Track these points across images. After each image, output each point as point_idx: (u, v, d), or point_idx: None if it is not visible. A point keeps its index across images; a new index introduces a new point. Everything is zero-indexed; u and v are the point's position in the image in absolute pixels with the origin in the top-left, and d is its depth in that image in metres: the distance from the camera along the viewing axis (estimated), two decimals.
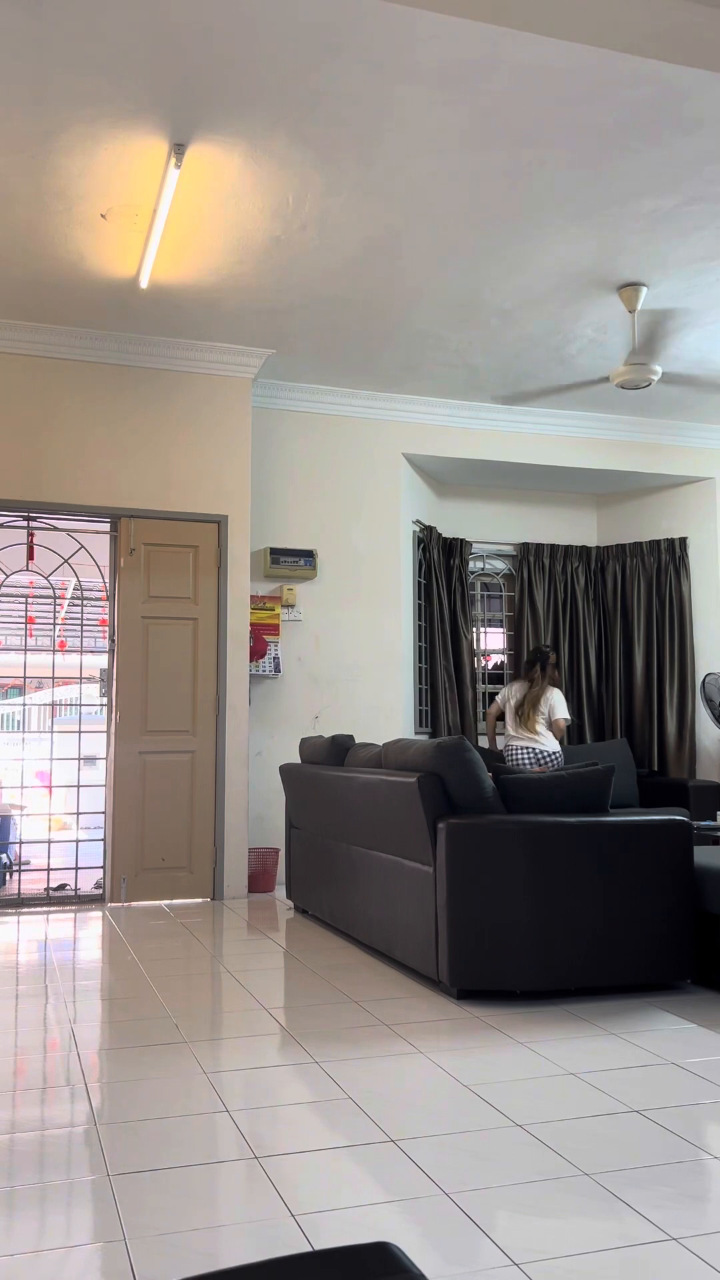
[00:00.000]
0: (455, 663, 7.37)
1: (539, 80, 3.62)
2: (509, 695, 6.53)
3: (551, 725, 6.41)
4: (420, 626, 7.35)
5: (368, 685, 6.73)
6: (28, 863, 7.12)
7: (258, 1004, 3.63)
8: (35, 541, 5.98)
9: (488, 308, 5.51)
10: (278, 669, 6.45)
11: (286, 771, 5.48)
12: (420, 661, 7.33)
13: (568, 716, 6.46)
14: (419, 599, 7.35)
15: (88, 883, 6.36)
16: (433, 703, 7.37)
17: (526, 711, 6.39)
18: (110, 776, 5.87)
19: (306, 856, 5.23)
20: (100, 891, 5.92)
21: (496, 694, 6.67)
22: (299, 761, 6.16)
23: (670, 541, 7.69)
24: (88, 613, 7.35)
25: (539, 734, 6.35)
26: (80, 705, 6.71)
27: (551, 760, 6.34)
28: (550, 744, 6.35)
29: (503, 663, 7.85)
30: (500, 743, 6.60)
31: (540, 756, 6.33)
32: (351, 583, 6.76)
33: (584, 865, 3.65)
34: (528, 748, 6.35)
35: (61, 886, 6.10)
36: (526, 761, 6.34)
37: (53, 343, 5.82)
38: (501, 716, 6.61)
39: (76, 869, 6.11)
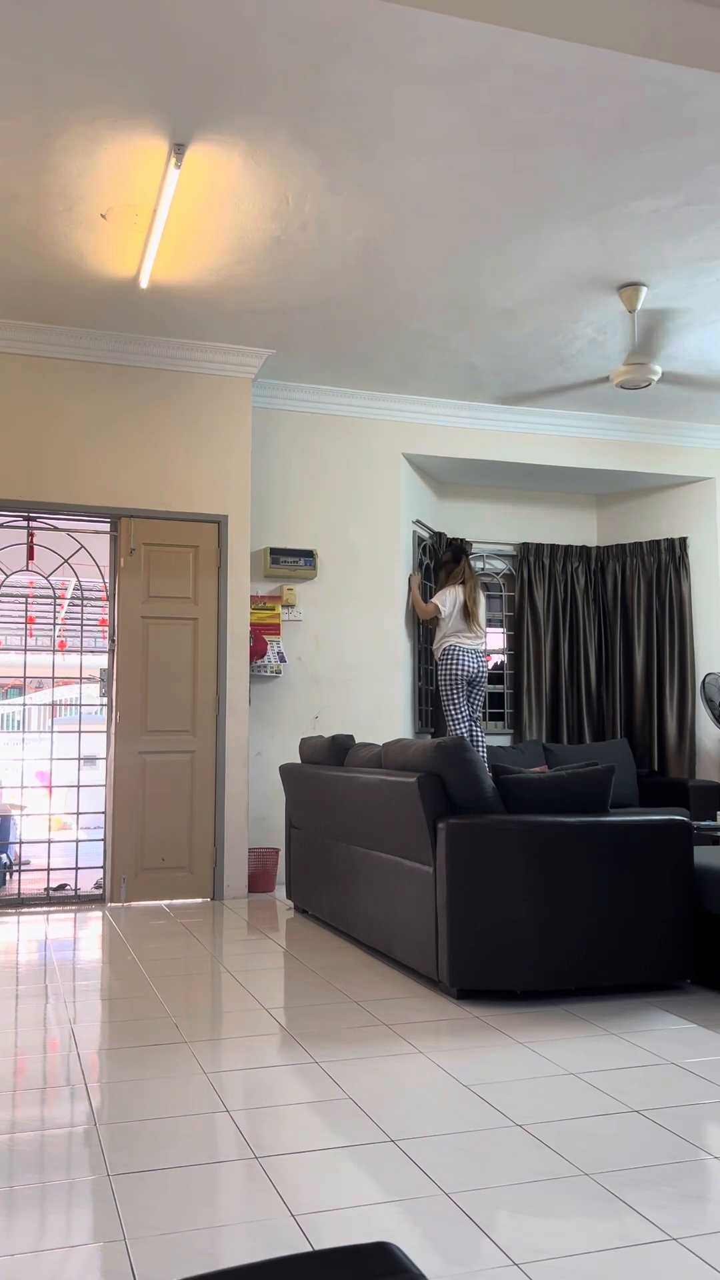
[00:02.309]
0: None
1: (539, 80, 3.62)
2: (455, 598, 6.61)
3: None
4: (427, 628, 7.35)
5: (368, 685, 6.73)
6: (28, 863, 7.12)
7: (258, 1004, 3.63)
8: (35, 541, 5.98)
9: (488, 308, 5.51)
10: (280, 664, 6.44)
11: (286, 771, 5.48)
12: (421, 662, 7.33)
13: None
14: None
15: (88, 883, 6.36)
16: (436, 703, 7.36)
17: (475, 616, 6.61)
18: (110, 776, 5.87)
19: (306, 856, 5.23)
20: (100, 891, 5.92)
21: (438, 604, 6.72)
22: (299, 761, 6.16)
23: (670, 541, 7.69)
24: (88, 613, 7.35)
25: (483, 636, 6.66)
26: (80, 705, 6.71)
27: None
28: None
29: (502, 663, 7.85)
30: (458, 648, 6.59)
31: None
32: (351, 583, 6.76)
33: (584, 865, 3.65)
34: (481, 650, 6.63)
35: (61, 886, 6.10)
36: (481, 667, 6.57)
37: (53, 343, 5.82)
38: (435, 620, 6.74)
39: (76, 869, 6.11)
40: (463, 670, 6.51)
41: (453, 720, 6.50)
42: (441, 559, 6.82)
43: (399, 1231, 1.95)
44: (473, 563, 6.76)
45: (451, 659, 6.51)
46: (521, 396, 6.87)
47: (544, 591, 7.75)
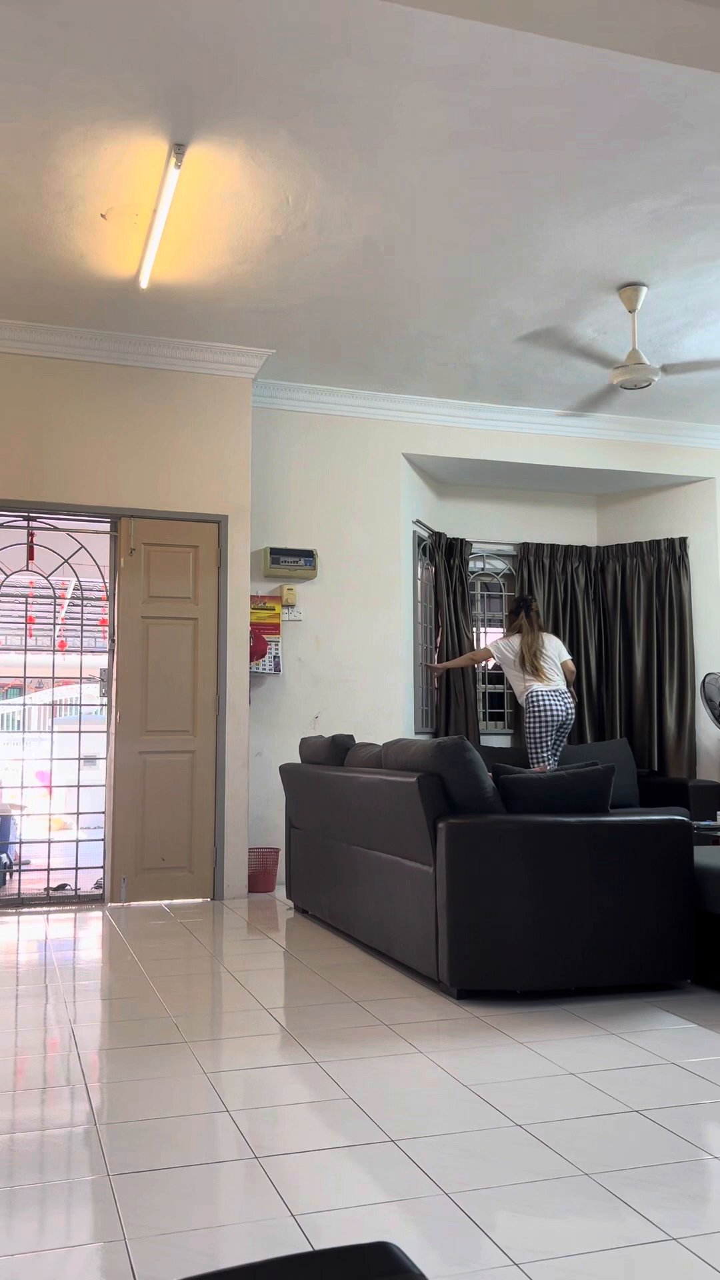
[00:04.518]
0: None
1: (539, 80, 3.62)
2: (512, 647, 6.72)
3: (563, 668, 6.78)
4: (426, 628, 7.35)
5: (368, 685, 6.73)
6: (28, 863, 7.12)
7: (258, 1004, 3.63)
8: (35, 541, 5.98)
9: (488, 308, 5.51)
10: (278, 668, 6.45)
11: (286, 771, 5.48)
12: (424, 662, 7.33)
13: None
14: (421, 600, 7.35)
15: (88, 883, 6.36)
16: (434, 703, 7.36)
17: (536, 663, 6.67)
18: (110, 776, 5.87)
19: (306, 856, 5.23)
20: (100, 891, 5.92)
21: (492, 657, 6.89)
22: (299, 761, 6.16)
23: (670, 541, 7.69)
24: (88, 613, 7.35)
25: (552, 680, 6.68)
26: (80, 705, 6.72)
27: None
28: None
29: None
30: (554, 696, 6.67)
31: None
32: (351, 583, 6.76)
33: (584, 865, 3.64)
34: (562, 692, 6.66)
35: (61, 886, 6.10)
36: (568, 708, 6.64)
37: (53, 343, 5.82)
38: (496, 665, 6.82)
39: (76, 869, 6.11)
40: (551, 714, 6.52)
41: (538, 760, 6.52)
42: (510, 610, 6.89)
43: (399, 1231, 1.95)
44: (537, 614, 6.84)
45: (538, 703, 6.52)
46: (521, 396, 6.87)
47: (544, 591, 7.75)
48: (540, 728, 6.48)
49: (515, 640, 6.69)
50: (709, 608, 7.62)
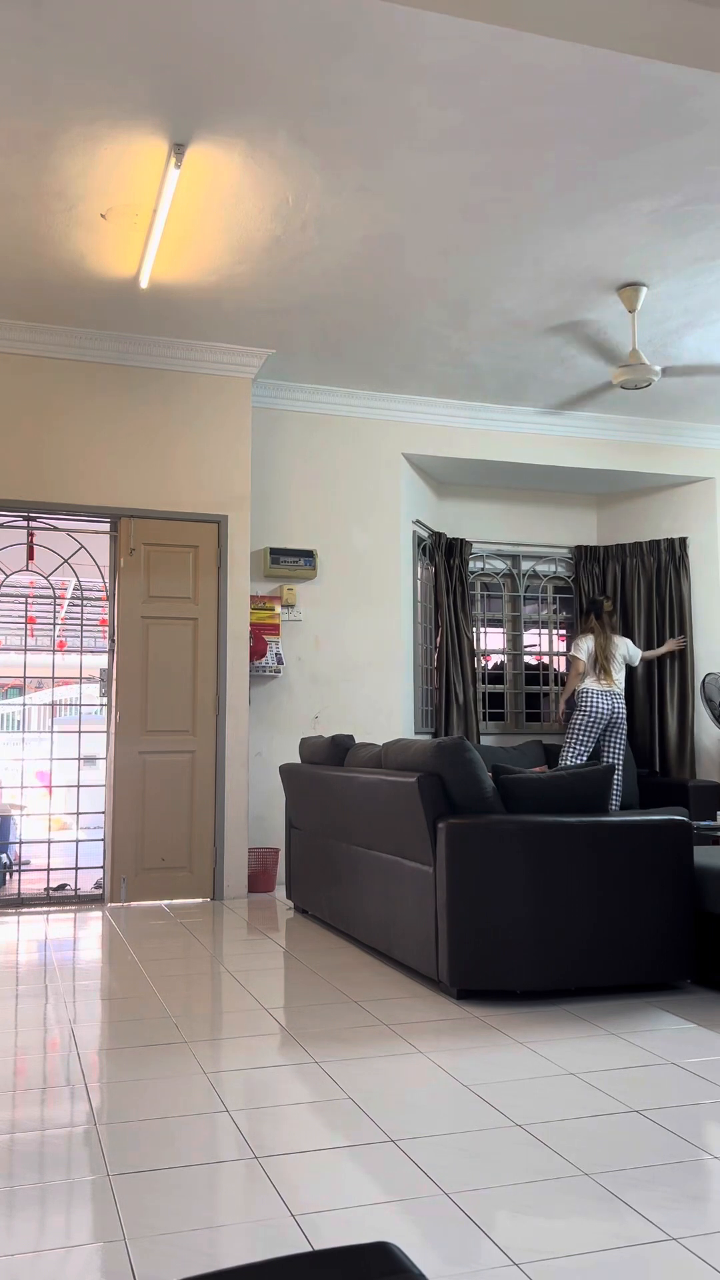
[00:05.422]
0: (459, 662, 7.36)
1: (539, 80, 3.62)
2: (589, 647, 6.76)
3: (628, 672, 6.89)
4: (426, 628, 7.35)
5: (368, 685, 6.73)
6: (28, 863, 7.12)
7: (258, 1004, 3.63)
8: (35, 541, 5.98)
9: (488, 308, 5.51)
10: (279, 668, 6.45)
11: (286, 771, 5.48)
12: (424, 662, 7.32)
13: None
14: (421, 600, 7.35)
15: (88, 883, 6.36)
16: (434, 703, 7.36)
17: (606, 666, 6.73)
18: (110, 776, 5.87)
19: (306, 856, 5.23)
20: (100, 891, 5.92)
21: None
22: (299, 761, 6.16)
23: (670, 541, 7.69)
24: (88, 613, 7.35)
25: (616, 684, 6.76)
26: (80, 705, 6.72)
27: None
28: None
29: (503, 663, 7.85)
30: (603, 698, 6.69)
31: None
32: (351, 583, 6.76)
33: (584, 865, 3.64)
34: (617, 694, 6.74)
35: (61, 886, 6.10)
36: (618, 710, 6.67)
37: (53, 343, 5.82)
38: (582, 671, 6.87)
39: (76, 869, 6.11)
40: (597, 711, 6.63)
41: (572, 756, 6.58)
42: (583, 610, 6.96)
43: (399, 1231, 1.95)
44: (609, 615, 6.90)
45: (588, 700, 6.66)
46: (521, 396, 6.87)
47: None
48: (584, 722, 6.58)
49: (590, 641, 6.77)
50: (709, 608, 7.62)
